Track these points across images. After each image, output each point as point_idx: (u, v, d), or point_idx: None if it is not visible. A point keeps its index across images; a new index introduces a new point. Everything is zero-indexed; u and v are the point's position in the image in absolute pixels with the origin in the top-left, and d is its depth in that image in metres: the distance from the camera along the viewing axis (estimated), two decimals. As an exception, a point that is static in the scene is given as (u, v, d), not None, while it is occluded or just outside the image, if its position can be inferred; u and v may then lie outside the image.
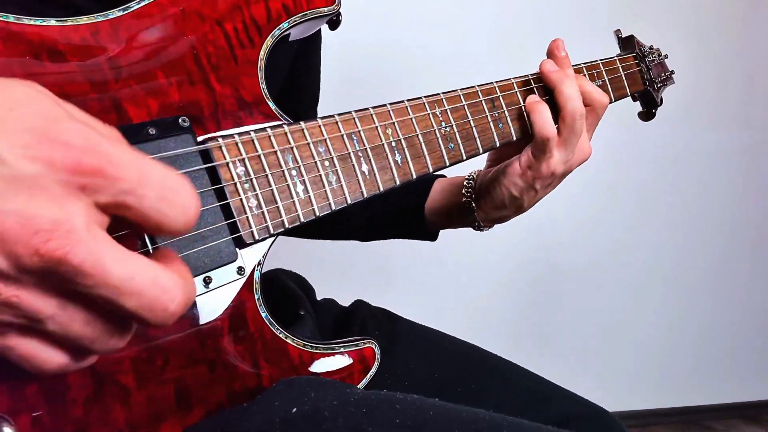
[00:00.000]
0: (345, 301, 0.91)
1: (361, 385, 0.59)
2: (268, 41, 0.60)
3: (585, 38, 1.52)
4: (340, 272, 1.71)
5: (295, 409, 0.47)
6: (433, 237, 0.94)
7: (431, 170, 0.67)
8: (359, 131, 0.62)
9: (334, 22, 0.68)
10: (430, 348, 0.79)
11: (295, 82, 0.84)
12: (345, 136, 0.60)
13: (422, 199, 0.89)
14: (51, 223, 0.30)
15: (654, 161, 2.09)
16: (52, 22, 0.48)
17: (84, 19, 0.50)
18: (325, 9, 0.64)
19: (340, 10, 0.67)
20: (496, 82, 0.76)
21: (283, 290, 0.81)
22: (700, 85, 2.09)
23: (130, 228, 0.36)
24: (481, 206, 0.83)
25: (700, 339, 2.26)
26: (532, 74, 0.80)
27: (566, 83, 0.76)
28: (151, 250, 0.45)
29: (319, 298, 0.90)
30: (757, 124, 2.25)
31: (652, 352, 2.21)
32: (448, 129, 0.70)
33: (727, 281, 2.28)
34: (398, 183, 0.64)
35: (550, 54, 0.79)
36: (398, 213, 0.90)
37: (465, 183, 0.86)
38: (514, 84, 0.78)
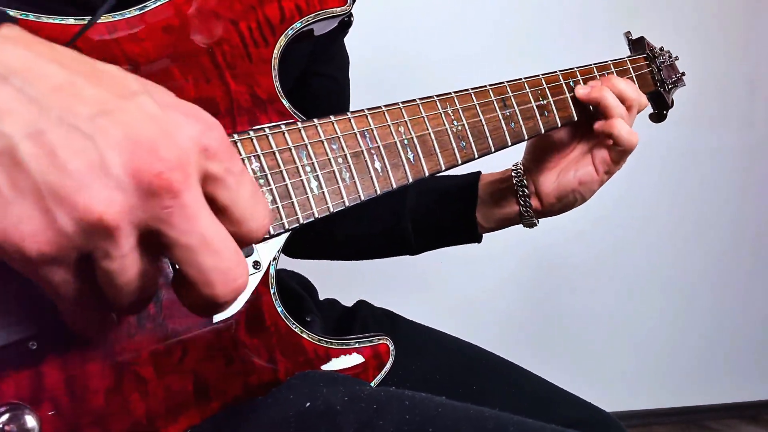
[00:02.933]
0: (347, 301, 0.91)
1: (375, 381, 0.59)
2: (282, 40, 0.60)
3: (590, 40, 1.53)
4: (342, 272, 1.71)
5: (308, 404, 0.47)
6: (480, 239, 0.92)
7: (443, 168, 0.68)
8: (372, 129, 0.62)
9: (345, 23, 0.69)
10: (432, 349, 0.79)
11: (305, 85, 0.84)
12: (358, 134, 0.61)
13: (473, 203, 0.88)
14: (176, 160, 0.32)
15: (655, 161, 2.08)
16: (71, 20, 0.49)
17: (101, 18, 0.51)
18: (338, 9, 0.65)
19: (352, 11, 0.68)
20: (507, 81, 0.77)
21: (287, 292, 0.81)
22: (702, 86, 2.09)
23: None
24: (543, 202, 0.85)
25: (700, 339, 2.26)
26: (543, 74, 0.81)
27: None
28: None
29: (321, 298, 0.90)
30: (760, 125, 2.24)
31: (652, 352, 2.21)
32: (459, 127, 0.70)
33: (727, 281, 2.28)
34: (411, 180, 0.64)
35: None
36: (452, 219, 0.89)
37: (516, 186, 0.86)
38: (525, 84, 0.78)
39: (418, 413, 0.46)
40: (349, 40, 0.86)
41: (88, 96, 0.32)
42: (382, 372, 0.59)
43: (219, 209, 0.35)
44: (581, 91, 0.81)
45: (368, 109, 0.63)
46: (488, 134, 0.73)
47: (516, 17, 1.90)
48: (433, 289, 1.89)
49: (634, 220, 2.12)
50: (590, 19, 1.94)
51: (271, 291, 0.53)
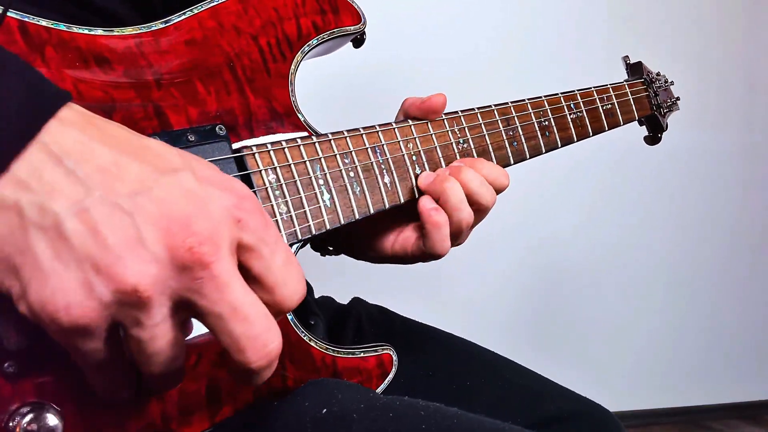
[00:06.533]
0: (342, 298, 0.92)
1: (379, 390, 0.60)
2: (298, 56, 0.62)
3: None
4: (336, 270, 1.72)
5: (324, 410, 0.48)
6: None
7: (449, 184, 0.69)
8: (382, 144, 0.64)
9: (358, 41, 0.71)
10: (426, 345, 0.79)
11: None
12: (369, 149, 0.63)
13: None
14: (208, 233, 0.35)
15: (655, 163, 2.08)
16: (99, 31, 0.51)
17: (128, 30, 0.52)
18: (352, 27, 0.67)
19: (365, 29, 0.70)
20: (512, 102, 0.79)
21: None
22: (701, 88, 2.09)
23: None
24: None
25: (700, 339, 2.24)
26: (546, 96, 0.83)
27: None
28: None
29: (316, 296, 0.91)
30: (759, 127, 2.25)
31: (652, 352, 2.20)
32: (465, 145, 0.72)
33: (727, 282, 2.27)
34: (417, 195, 0.66)
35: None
36: None
37: None
38: (529, 105, 0.81)
39: (435, 423, 0.47)
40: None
41: (131, 174, 0.35)
42: (386, 381, 0.61)
43: (253, 277, 0.38)
44: (423, 180, 0.66)
45: (380, 126, 0.65)
46: (492, 152, 0.75)
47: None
48: (427, 285, 1.89)
49: (635, 220, 2.12)
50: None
51: (283, 299, 0.55)
